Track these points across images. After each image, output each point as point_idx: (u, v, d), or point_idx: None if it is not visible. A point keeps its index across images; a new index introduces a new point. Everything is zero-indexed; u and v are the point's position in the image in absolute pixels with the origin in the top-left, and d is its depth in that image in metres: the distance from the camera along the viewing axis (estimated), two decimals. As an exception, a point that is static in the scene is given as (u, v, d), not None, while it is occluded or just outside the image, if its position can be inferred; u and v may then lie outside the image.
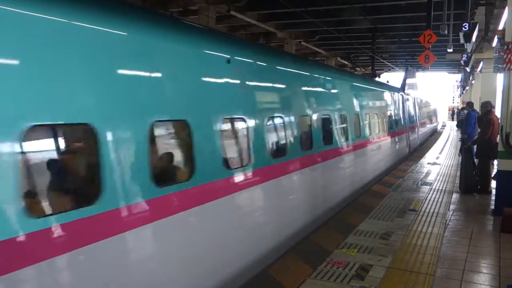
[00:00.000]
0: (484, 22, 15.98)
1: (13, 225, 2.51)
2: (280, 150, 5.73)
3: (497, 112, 9.44)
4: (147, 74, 3.62)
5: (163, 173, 3.78)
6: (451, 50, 15.35)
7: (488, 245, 6.00)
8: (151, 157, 3.49)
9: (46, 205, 2.77)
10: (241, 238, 4.78)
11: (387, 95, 13.90)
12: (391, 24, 18.92)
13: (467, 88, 38.30)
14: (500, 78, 14.19)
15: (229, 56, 4.72)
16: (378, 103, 12.29)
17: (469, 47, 15.44)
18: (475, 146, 9.81)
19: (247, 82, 5.07)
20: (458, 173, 10.14)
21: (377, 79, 21.82)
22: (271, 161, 5.40)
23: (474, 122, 11.52)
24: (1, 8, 2.56)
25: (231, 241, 4.56)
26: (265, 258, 5.07)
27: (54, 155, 2.91)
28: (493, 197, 8.37)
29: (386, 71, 40.30)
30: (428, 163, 13.84)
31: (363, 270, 4.89)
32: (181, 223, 3.80)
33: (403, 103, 16.04)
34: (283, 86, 6.08)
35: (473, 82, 32.15)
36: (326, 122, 7.41)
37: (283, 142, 5.81)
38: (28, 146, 2.63)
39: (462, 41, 13.29)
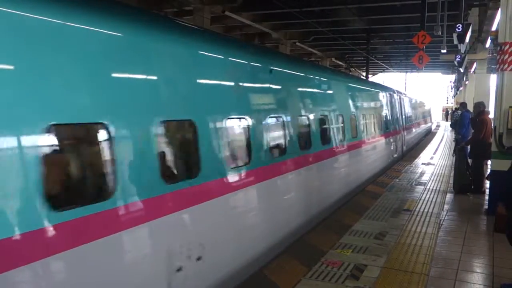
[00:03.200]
0: (477, 23, 16.08)
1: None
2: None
3: (491, 112, 9.50)
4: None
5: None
6: (445, 51, 15.45)
7: (481, 245, 6.03)
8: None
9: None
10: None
11: None
12: (385, 25, 19.01)
13: (461, 88, 38.49)
14: (493, 78, 14.29)
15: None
16: None
17: (462, 48, 15.54)
18: (468, 147, 9.87)
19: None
20: (452, 173, 10.19)
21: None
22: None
23: (467, 123, 11.58)
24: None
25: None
26: None
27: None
28: (486, 197, 8.42)
29: (381, 72, 40.49)
30: (422, 164, 13.89)
31: (357, 270, 4.90)
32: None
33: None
34: None
35: (467, 82, 32.30)
36: None
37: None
38: None
39: (455, 42, 13.37)
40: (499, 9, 7.93)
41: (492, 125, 7.88)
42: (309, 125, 6.93)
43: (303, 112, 6.82)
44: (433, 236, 6.18)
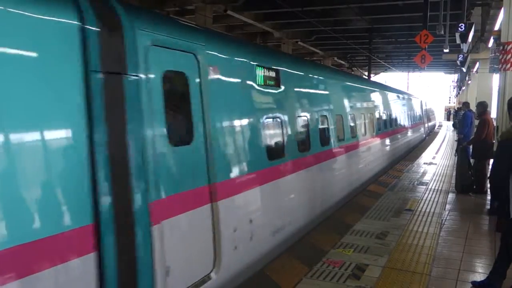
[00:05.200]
0: (480, 22, 16.03)
1: None
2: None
3: (493, 112, 9.47)
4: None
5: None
6: (447, 51, 15.38)
7: (483, 245, 6.02)
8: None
9: None
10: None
11: None
12: (387, 24, 18.95)
13: (463, 88, 38.42)
14: (496, 78, 14.26)
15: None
16: None
17: (465, 47, 15.49)
18: (471, 146, 9.84)
19: None
20: (454, 173, 10.17)
21: None
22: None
23: (470, 122, 11.56)
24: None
25: None
26: None
27: None
28: (488, 197, 8.41)
29: (383, 71, 40.43)
30: (424, 163, 13.87)
31: (359, 269, 4.90)
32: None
33: None
34: None
35: (469, 82, 32.25)
36: None
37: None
38: None
39: (458, 41, 13.33)
40: (502, 8, 7.90)
41: (494, 125, 7.87)
42: None
43: None
44: (434, 236, 6.17)
